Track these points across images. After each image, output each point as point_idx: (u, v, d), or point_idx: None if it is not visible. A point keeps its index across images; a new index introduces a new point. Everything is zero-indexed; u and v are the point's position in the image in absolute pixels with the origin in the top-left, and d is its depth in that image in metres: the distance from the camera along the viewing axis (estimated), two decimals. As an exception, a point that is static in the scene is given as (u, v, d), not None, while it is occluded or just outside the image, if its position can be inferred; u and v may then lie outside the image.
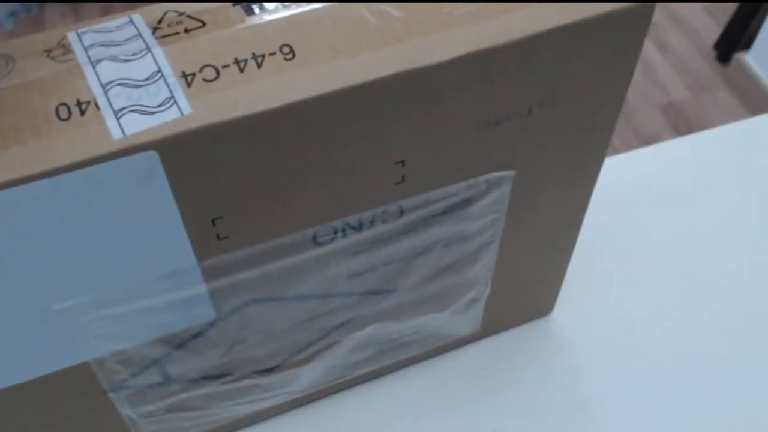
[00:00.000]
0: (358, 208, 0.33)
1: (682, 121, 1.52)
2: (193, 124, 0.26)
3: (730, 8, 1.64)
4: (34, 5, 1.68)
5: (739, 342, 0.49)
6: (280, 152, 0.29)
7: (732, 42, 1.60)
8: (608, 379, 0.47)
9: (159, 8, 0.30)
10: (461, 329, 0.46)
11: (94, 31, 0.29)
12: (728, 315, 0.50)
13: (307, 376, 0.42)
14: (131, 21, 0.29)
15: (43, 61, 0.28)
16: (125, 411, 0.38)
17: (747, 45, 1.57)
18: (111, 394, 0.37)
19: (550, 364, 0.48)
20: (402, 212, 0.35)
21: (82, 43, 0.28)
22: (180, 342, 0.36)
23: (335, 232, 0.34)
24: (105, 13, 1.67)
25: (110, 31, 0.29)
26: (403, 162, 0.32)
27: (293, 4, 0.29)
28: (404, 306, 0.41)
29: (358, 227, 0.34)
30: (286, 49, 0.28)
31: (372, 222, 0.34)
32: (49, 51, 0.28)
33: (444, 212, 0.36)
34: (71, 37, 0.29)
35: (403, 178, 0.33)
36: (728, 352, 0.48)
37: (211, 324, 0.35)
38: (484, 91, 0.31)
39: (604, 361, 0.48)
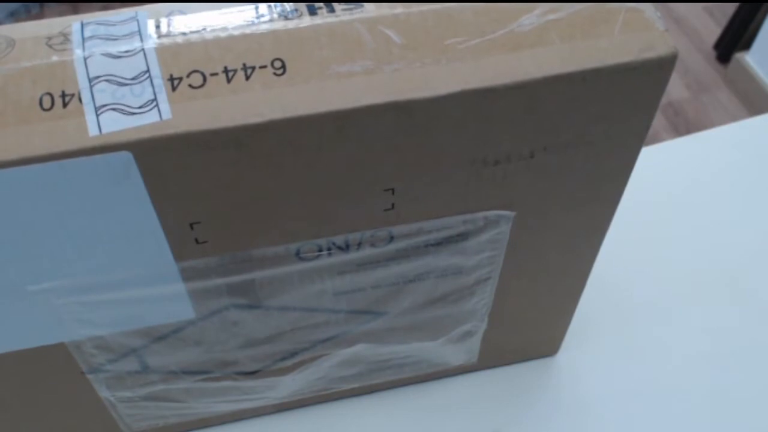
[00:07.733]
0: (343, 230, 0.33)
1: (682, 121, 1.52)
2: (170, 131, 0.26)
3: (730, 8, 1.63)
4: (34, 5, 1.70)
5: (741, 343, 0.48)
6: (260, 167, 0.28)
7: (732, 42, 1.59)
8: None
9: (165, 7, 0.30)
10: (456, 359, 0.45)
11: (98, 23, 0.29)
12: (730, 316, 0.50)
13: (289, 385, 0.42)
14: (136, 16, 0.29)
15: (40, 48, 0.28)
16: (103, 393, 0.38)
17: (747, 45, 1.57)
18: (89, 376, 0.37)
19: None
20: (392, 238, 0.34)
21: (82, 34, 0.29)
22: (159, 335, 0.36)
23: (320, 250, 0.33)
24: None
25: (113, 25, 0.29)
26: (392, 190, 0.31)
27: (292, 21, 0.29)
28: (394, 330, 0.40)
29: (345, 248, 0.34)
30: (277, 64, 0.28)
31: (360, 244, 0.34)
32: (49, 38, 0.29)
33: (438, 243, 0.35)
34: (75, 26, 0.29)
35: (392, 205, 0.32)
36: (731, 359, 0.48)
37: (191, 322, 0.35)
38: (481, 130, 0.30)
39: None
